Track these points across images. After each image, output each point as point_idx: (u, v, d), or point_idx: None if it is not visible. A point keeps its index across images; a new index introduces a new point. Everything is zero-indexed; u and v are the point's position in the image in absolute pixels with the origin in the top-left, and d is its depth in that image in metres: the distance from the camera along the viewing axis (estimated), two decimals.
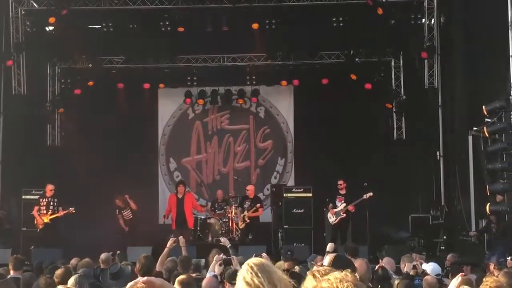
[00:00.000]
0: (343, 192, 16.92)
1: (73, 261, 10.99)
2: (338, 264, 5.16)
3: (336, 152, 19.26)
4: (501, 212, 14.31)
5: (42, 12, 19.42)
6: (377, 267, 9.81)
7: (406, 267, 9.68)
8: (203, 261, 11.95)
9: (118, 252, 12.08)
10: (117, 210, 17.92)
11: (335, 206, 16.83)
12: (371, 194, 16.36)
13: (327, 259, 5.08)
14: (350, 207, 16.63)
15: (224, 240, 11.30)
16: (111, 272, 8.10)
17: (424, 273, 9.04)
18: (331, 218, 16.81)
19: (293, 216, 17.48)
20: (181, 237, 11.53)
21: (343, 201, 16.77)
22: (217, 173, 21.23)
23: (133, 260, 11.33)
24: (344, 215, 16.68)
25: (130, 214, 18.09)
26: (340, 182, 16.96)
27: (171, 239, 11.08)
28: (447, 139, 19.20)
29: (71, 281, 6.83)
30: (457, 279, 6.24)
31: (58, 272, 8.10)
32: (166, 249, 10.38)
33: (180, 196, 17.17)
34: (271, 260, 10.33)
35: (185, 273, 8.22)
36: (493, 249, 13.78)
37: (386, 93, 20.27)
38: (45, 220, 16.78)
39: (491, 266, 9.26)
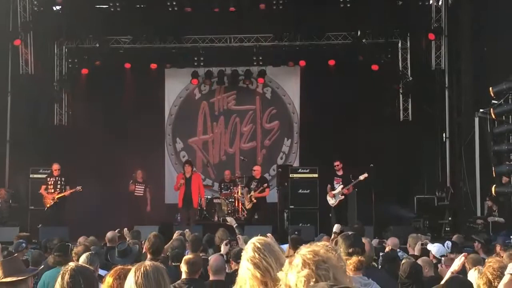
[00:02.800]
0: (340, 173, 16.90)
1: (81, 239, 11.10)
2: (349, 243, 5.24)
3: (342, 133, 19.24)
4: (506, 193, 14.36)
5: None
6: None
7: (413, 248, 9.76)
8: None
9: (125, 229, 12.18)
10: (132, 181, 18.22)
11: (333, 188, 16.87)
12: (366, 175, 16.33)
13: (343, 242, 5.16)
14: (345, 190, 16.64)
15: (230, 220, 11.38)
16: (119, 249, 8.19)
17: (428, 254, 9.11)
18: (331, 201, 16.85)
19: (299, 197, 17.52)
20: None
21: (340, 183, 16.78)
22: (223, 154, 21.29)
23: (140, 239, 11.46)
24: (342, 197, 16.73)
25: (142, 192, 18.29)
26: (337, 163, 16.90)
27: (176, 231, 11.15)
28: (453, 121, 19.21)
29: (83, 258, 6.91)
30: (460, 259, 6.29)
31: (78, 249, 8.23)
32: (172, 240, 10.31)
33: (187, 175, 17.23)
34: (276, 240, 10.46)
35: (193, 253, 8.29)
36: (498, 231, 13.83)
37: (393, 75, 20.24)
38: (53, 199, 16.89)
39: (498, 247, 9.31)
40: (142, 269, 3.75)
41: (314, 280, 3.02)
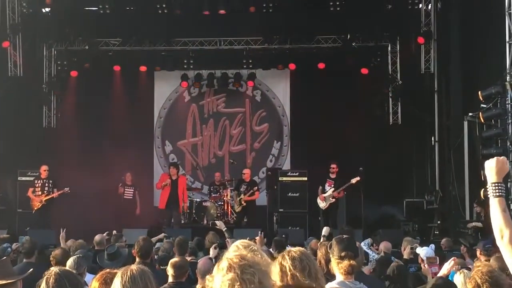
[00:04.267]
0: (333, 176, 16.95)
1: (69, 242, 11.03)
2: (342, 246, 5.22)
3: (331, 136, 19.26)
4: None
5: None
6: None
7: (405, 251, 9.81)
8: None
9: (114, 231, 12.14)
10: (121, 184, 18.19)
11: (324, 191, 16.88)
12: (358, 178, 16.39)
13: (336, 245, 5.15)
14: (336, 194, 16.67)
15: (220, 224, 11.35)
16: (108, 252, 8.15)
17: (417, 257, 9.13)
18: (321, 204, 16.86)
19: (288, 200, 17.52)
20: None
21: (332, 186, 16.80)
22: (212, 156, 21.26)
23: (128, 242, 11.43)
24: (333, 200, 16.75)
25: (131, 195, 18.26)
26: (333, 165, 16.95)
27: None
28: (442, 125, 19.26)
29: (70, 262, 6.85)
30: (449, 263, 6.30)
31: (56, 252, 8.14)
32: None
33: (174, 178, 17.15)
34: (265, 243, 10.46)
35: (179, 257, 8.26)
36: (487, 236, 13.83)
37: (382, 78, 20.28)
38: (40, 202, 16.80)
39: (478, 252, 9.36)
40: (128, 272, 3.74)
41: (238, 284, 3.01)
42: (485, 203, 14.99)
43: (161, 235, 11.39)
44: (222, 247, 9.21)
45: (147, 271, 3.84)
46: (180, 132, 21.33)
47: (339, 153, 18.42)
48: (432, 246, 8.93)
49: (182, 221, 18.13)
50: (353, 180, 16.41)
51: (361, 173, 16.52)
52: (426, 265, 7.58)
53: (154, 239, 9.15)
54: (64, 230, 11.43)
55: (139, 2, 19.49)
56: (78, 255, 7.28)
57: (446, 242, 12.32)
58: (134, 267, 3.84)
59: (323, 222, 16.00)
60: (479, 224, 14.94)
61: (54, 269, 4.02)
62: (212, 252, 8.95)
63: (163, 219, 17.49)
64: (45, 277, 3.94)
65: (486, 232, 14.21)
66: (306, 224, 17.09)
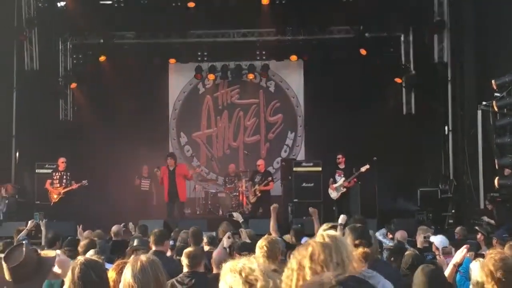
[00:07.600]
0: (342, 166, 17.00)
1: (86, 233, 11.19)
2: (356, 235, 5.32)
3: (345, 126, 19.31)
4: (509, 186, 14.39)
5: None
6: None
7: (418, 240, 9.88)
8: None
9: (130, 223, 12.28)
10: (138, 176, 18.42)
11: (335, 181, 16.95)
12: (368, 166, 16.41)
13: (349, 234, 5.23)
14: (346, 183, 16.73)
15: (237, 215, 11.40)
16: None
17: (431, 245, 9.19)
18: (332, 194, 16.91)
19: (303, 190, 17.54)
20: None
21: (342, 175, 16.86)
22: (227, 147, 21.38)
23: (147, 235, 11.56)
24: (344, 189, 16.81)
25: (147, 187, 18.38)
26: (339, 156, 17.01)
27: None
28: (456, 114, 19.20)
29: (89, 254, 6.99)
30: (462, 251, 6.37)
31: (84, 243, 8.31)
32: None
33: (171, 168, 16.85)
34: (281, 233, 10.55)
35: (194, 246, 8.36)
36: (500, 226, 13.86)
37: (395, 68, 20.26)
38: (59, 194, 16.98)
39: (494, 241, 9.41)
40: (138, 263, 3.78)
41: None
42: (496, 200, 15.07)
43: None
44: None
45: (157, 261, 3.88)
46: (195, 124, 21.46)
47: (353, 143, 18.46)
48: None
49: (198, 212, 18.23)
50: (363, 169, 16.45)
51: (374, 163, 16.56)
52: (441, 256, 7.63)
53: None
54: (81, 226, 11.67)
55: None
56: (96, 249, 7.42)
57: (460, 230, 12.37)
58: (143, 257, 3.87)
59: (337, 212, 16.06)
60: (492, 221, 14.96)
61: (80, 259, 4.06)
62: (226, 242, 9.02)
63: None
64: (71, 267, 4.01)
65: (498, 226, 14.26)
66: (321, 214, 17.09)
